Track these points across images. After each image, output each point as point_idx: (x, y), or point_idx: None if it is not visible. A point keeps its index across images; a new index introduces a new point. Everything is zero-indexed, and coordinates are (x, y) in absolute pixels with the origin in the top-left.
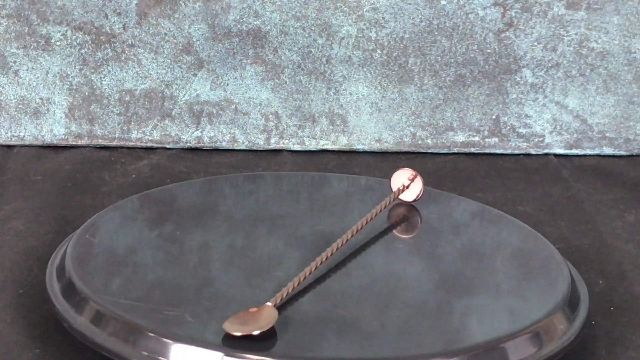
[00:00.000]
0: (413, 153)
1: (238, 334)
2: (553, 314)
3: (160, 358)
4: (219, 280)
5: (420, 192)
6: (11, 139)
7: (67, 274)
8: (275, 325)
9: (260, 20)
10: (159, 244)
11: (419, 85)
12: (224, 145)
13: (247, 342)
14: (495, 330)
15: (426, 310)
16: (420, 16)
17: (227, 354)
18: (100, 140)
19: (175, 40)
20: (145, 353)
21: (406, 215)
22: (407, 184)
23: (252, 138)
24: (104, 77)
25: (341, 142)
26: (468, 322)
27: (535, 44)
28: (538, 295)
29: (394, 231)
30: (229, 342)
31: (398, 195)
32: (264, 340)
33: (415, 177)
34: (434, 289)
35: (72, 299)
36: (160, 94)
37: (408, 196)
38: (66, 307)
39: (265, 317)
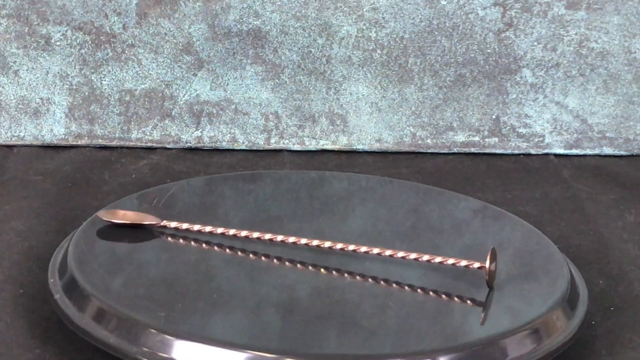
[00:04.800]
0: (413, 153)
1: (106, 219)
2: (552, 311)
3: (163, 355)
4: (220, 277)
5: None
6: (11, 139)
7: (70, 272)
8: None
9: (260, 20)
10: (159, 242)
11: (419, 85)
12: (224, 145)
13: (248, 339)
14: (495, 327)
15: (426, 308)
16: (420, 16)
17: (229, 350)
18: (100, 140)
19: (175, 40)
20: (147, 350)
21: (407, 213)
22: (492, 268)
23: (252, 138)
24: (104, 77)
25: (341, 142)
26: (468, 319)
27: (535, 44)
28: (537, 293)
29: (395, 229)
30: (230, 338)
31: (480, 267)
32: (265, 338)
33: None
34: (434, 286)
35: (74, 296)
36: (160, 94)
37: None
38: (69, 305)
39: (144, 219)
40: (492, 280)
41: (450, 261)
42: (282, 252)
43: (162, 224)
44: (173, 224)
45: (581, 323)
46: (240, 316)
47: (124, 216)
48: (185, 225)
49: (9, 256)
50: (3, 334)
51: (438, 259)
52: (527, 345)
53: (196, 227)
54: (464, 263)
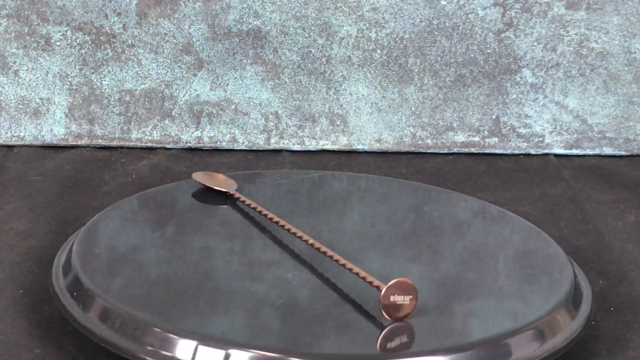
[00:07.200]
0: (413, 153)
1: (202, 182)
2: (556, 311)
3: (166, 353)
4: (221, 275)
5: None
6: (11, 139)
7: (74, 272)
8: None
9: (260, 20)
10: (162, 242)
11: (419, 85)
12: (224, 145)
13: (249, 337)
14: (498, 327)
15: (429, 307)
16: (420, 16)
17: (230, 348)
18: (100, 140)
19: (175, 40)
20: (151, 348)
21: (408, 212)
22: (399, 301)
23: (252, 138)
24: (104, 77)
25: (341, 142)
26: (471, 318)
27: (535, 44)
28: (541, 292)
29: (396, 229)
30: (232, 336)
31: (382, 302)
32: (267, 337)
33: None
34: (437, 286)
35: (78, 296)
36: (160, 94)
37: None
38: (73, 305)
39: (227, 184)
40: (393, 312)
41: (362, 274)
42: (282, 251)
43: (231, 192)
44: (237, 195)
45: (585, 323)
46: (241, 315)
47: (215, 182)
48: (242, 197)
49: (10, 256)
50: (3, 333)
51: (350, 266)
52: (531, 345)
53: (248, 201)
54: (369, 279)
